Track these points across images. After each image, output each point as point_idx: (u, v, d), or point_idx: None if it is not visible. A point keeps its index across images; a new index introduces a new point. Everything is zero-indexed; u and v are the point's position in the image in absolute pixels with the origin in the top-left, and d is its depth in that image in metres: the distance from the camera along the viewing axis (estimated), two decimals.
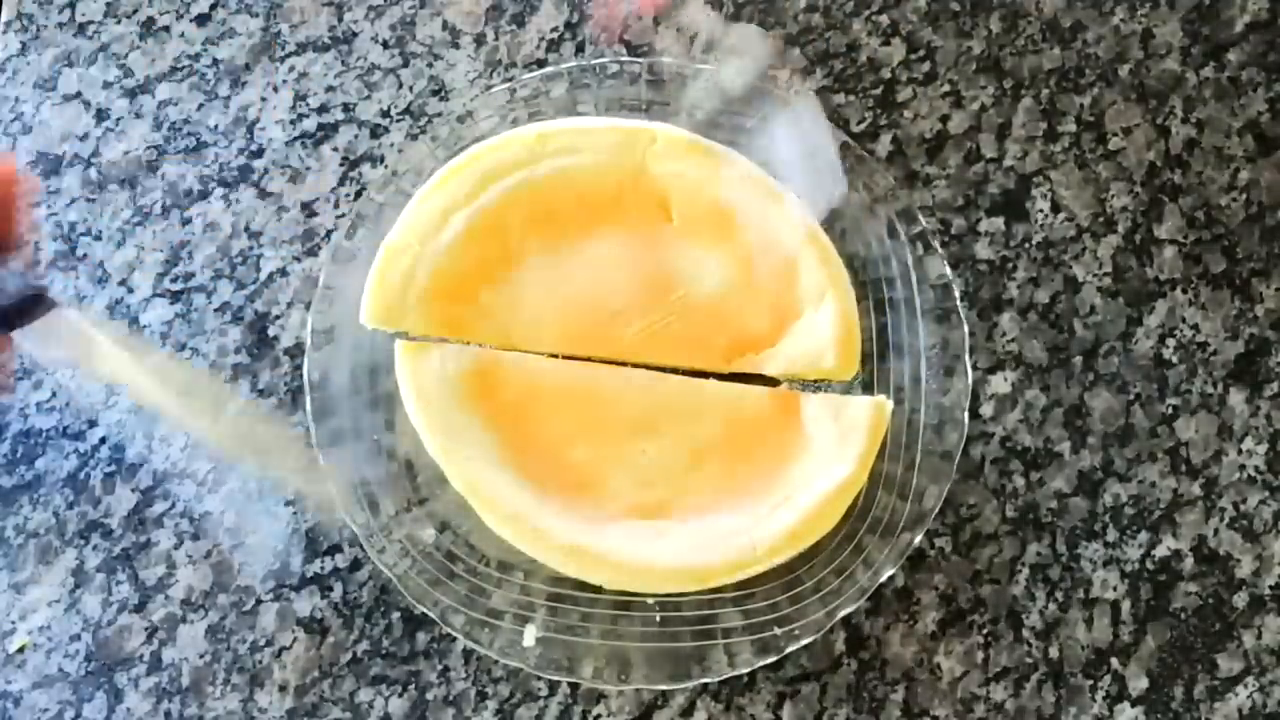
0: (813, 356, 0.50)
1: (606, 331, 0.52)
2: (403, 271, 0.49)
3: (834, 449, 0.49)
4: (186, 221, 0.56)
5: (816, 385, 0.51)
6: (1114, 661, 0.51)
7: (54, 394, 0.53)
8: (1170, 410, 0.54)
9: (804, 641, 0.48)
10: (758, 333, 0.52)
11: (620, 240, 0.52)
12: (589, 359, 0.52)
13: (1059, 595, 0.52)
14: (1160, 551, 0.52)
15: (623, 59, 0.54)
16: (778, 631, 0.48)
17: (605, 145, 0.51)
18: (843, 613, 0.48)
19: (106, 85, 0.57)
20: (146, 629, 0.51)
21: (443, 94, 0.57)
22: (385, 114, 0.57)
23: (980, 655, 0.51)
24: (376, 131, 0.56)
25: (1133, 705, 0.51)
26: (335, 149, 0.56)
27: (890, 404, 0.50)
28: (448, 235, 0.50)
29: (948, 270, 0.51)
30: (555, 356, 0.52)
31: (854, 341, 0.50)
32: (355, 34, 0.57)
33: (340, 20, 0.57)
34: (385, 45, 0.57)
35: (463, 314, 0.51)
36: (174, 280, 0.55)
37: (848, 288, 0.50)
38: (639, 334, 0.52)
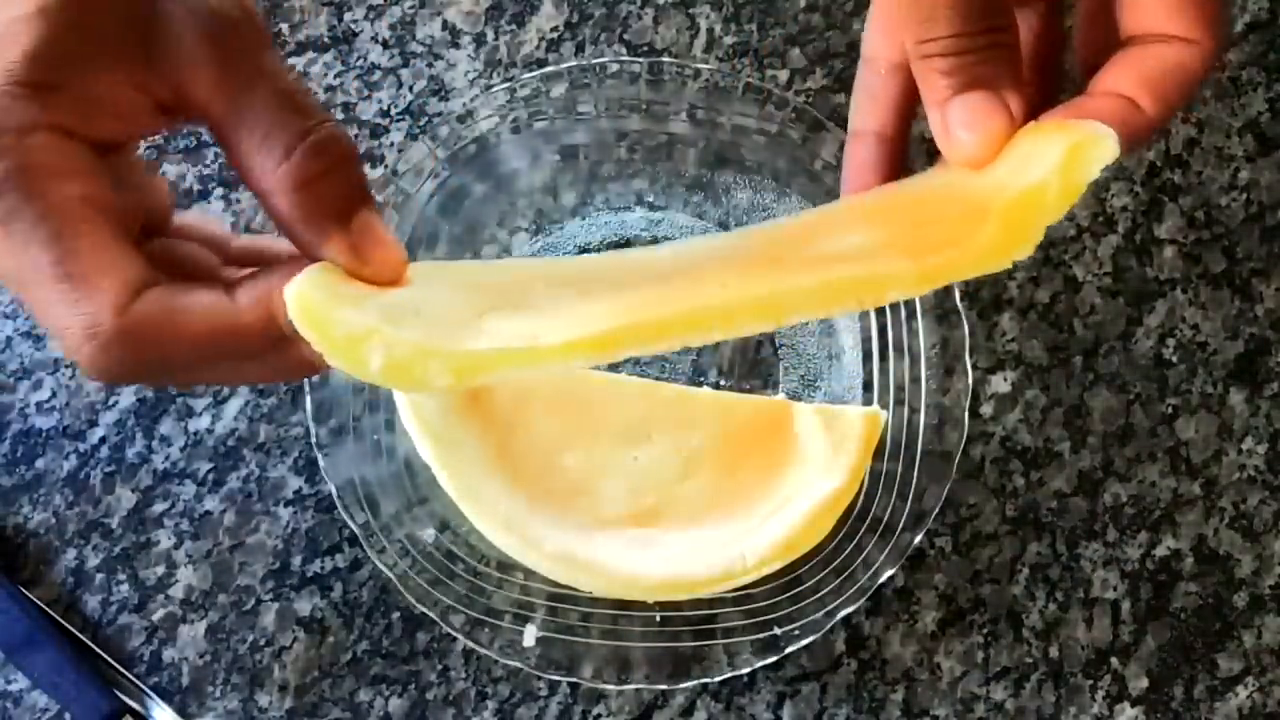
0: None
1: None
2: None
3: (826, 460, 0.49)
4: None
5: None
6: (1114, 661, 0.51)
7: (54, 394, 0.53)
8: (1170, 410, 0.54)
9: (804, 641, 0.48)
10: None
11: None
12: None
13: (1059, 595, 0.52)
14: (1160, 551, 0.52)
15: (623, 59, 0.54)
16: (778, 631, 0.48)
17: None
18: (843, 613, 0.48)
19: None
20: (146, 629, 0.51)
21: (443, 94, 0.57)
22: (385, 114, 0.57)
23: (980, 655, 0.51)
24: (376, 131, 0.56)
25: (1133, 705, 0.51)
26: None
27: (884, 415, 0.50)
28: None
29: None
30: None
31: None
32: (355, 34, 0.57)
33: (340, 20, 0.57)
34: (385, 45, 0.57)
35: None
36: None
37: None
38: None
